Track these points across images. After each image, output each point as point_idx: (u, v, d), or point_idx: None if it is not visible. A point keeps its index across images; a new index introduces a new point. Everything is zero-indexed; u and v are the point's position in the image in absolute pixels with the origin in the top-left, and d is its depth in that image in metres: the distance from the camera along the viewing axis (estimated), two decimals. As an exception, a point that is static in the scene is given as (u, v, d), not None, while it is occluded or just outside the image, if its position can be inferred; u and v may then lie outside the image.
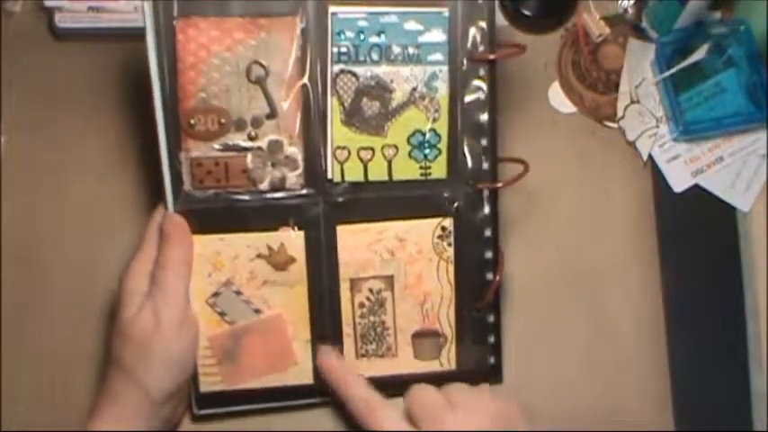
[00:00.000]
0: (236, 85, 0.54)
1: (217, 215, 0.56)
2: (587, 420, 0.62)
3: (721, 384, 0.64)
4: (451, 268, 0.58)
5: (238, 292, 0.57)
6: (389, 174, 0.56)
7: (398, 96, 0.55)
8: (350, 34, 0.54)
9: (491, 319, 0.59)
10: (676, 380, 0.64)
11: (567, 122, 0.68)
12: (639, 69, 0.68)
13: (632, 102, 0.67)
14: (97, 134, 0.66)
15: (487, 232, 0.58)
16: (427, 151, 0.56)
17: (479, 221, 0.58)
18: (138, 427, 0.53)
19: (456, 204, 0.57)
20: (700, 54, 0.65)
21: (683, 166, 0.67)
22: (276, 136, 0.55)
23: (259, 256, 0.56)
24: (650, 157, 0.67)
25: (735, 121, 0.66)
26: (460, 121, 0.56)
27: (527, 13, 0.68)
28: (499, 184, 0.57)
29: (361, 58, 0.55)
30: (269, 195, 0.56)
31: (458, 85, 0.56)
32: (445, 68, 0.55)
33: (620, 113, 0.67)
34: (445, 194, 0.57)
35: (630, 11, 0.69)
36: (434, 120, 0.56)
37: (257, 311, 0.57)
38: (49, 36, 0.68)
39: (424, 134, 0.56)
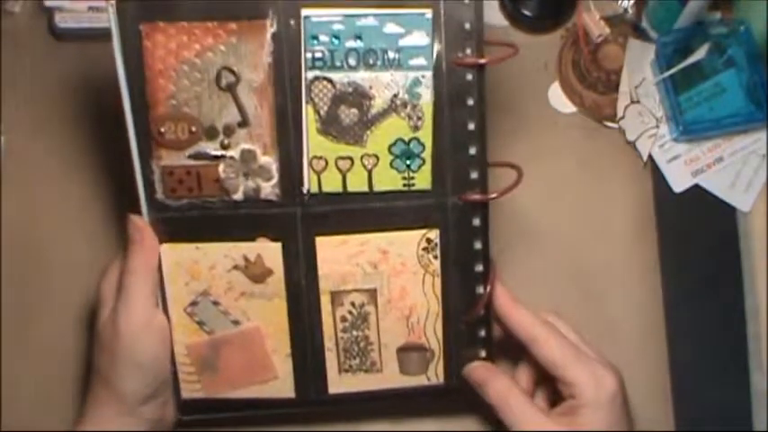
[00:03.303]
0: (206, 92, 0.52)
1: (192, 223, 0.54)
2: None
3: (721, 384, 0.64)
4: (438, 282, 0.56)
5: (216, 303, 0.56)
6: (370, 185, 0.54)
7: (378, 104, 0.52)
8: (324, 39, 0.52)
9: (482, 333, 0.57)
10: (676, 380, 0.64)
11: (567, 122, 0.68)
12: (639, 69, 0.68)
13: (632, 102, 0.67)
14: (97, 134, 0.66)
15: (477, 245, 0.55)
16: (410, 161, 0.53)
17: (468, 234, 0.55)
18: (120, 427, 0.53)
19: (442, 216, 0.55)
20: (700, 54, 0.65)
21: (683, 167, 0.67)
22: (249, 145, 0.53)
23: (236, 267, 0.55)
24: (650, 157, 0.67)
25: (735, 121, 0.66)
26: (446, 130, 0.53)
27: (527, 13, 0.68)
28: (492, 196, 0.54)
29: (338, 64, 0.52)
30: (244, 205, 0.54)
31: (443, 92, 0.52)
32: (429, 74, 0.52)
33: (620, 113, 0.67)
34: (430, 206, 0.54)
35: (630, 11, 0.69)
36: (417, 128, 0.53)
37: (236, 323, 0.56)
38: (49, 36, 0.68)
39: (406, 143, 0.53)
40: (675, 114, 0.66)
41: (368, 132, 0.53)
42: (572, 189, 0.67)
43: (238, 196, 0.54)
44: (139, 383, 0.53)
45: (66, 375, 0.62)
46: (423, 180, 0.54)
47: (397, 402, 0.59)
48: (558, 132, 0.68)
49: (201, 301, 0.56)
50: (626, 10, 0.69)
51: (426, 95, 0.53)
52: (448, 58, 0.52)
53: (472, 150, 0.54)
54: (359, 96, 0.53)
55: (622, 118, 0.67)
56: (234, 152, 0.53)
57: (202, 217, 0.54)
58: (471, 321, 0.57)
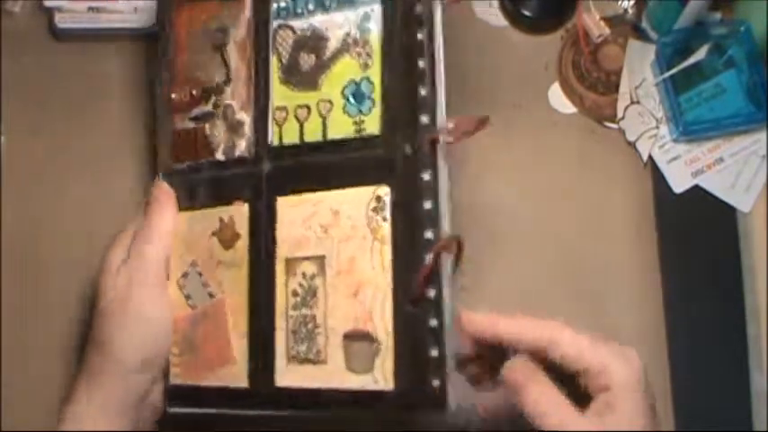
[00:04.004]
0: (208, 56, 0.55)
1: (187, 189, 0.54)
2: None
3: (721, 384, 0.64)
4: (387, 251, 0.46)
5: (200, 274, 0.53)
6: (324, 133, 0.50)
7: (332, 45, 0.50)
8: None
9: (433, 322, 0.44)
10: (676, 380, 0.64)
11: (567, 122, 0.68)
12: (639, 70, 0.68)
13: (632, 102, 0.67)
14: (97, 134, 0.66)
15: (427, 204, 0.46)
16: (361, 104, 0.49)
17: (419, 190, 0.46)
18: (111, 396, 0.51)
19: (392, 169, 0.47)
20: (700, 54, 0.65)
21: (683, 167, 0.67)
22: (230, 101, 0.54)
23: (213, 233, 0.52)
24: (650, 157, 0.67)
25: (735, 122, 0.66)
26: (396, 68, 0.48)
27: (527, 13, 0.68)
28: (449, 140, 0.46)
29: (299, 11, 0.52)
30: (223, 166, 0.53)
31: (393, 26, 0.48)
32: (377, 6, 0.49)
33: (620, 114, 0.67)
34: (380, 158, 0.47)
35: (630, 11, 0.69)
36: (367, 66, 0.49)
37: (211, 295, 0.52)
38: (49, 36, 0.68)
39: (357, 84, 0.49)
40: (675, 115, 0.66)
41: (322, 76, 0.51)
42: (572, 189, 0.67)
43: (219, 155, 0.54)
44: (141, 343, 0.51)
45: (65, 375, 0.62)
46: (372, 124, 0.48)
47: (344, 409, 0.48)
48: (557, 132, 0.68)
49: (191, 272, 0.53)
50: (626, 10, 0.69)
51: (375, 30, 0.49)
52: None
53: (423, 91, 0.47)
54: (316, 39, 0.51)
55: (622, 118, 0.67)
56: (220, 110, 0.54)
57: (195, 181, 0.54)
58: (415, 302, 0.45)
